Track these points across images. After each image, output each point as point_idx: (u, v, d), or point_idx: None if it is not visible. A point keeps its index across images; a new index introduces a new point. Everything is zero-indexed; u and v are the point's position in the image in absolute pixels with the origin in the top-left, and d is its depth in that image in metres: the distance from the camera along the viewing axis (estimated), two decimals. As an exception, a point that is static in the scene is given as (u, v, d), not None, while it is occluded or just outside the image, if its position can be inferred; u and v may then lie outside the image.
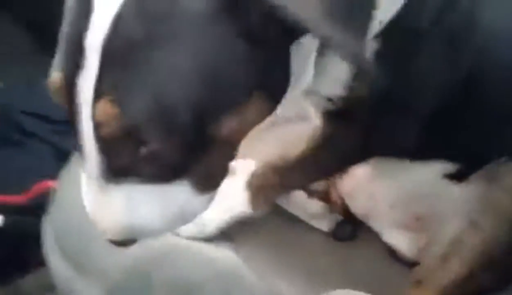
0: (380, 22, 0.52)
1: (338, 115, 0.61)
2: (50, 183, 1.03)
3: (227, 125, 0.43)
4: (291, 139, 0.70)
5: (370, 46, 0.52)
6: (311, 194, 0.81)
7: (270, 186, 0.70)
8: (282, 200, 0.78)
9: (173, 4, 0.39)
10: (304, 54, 0.50)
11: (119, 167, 0.43)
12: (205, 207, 0.49)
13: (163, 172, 0.44)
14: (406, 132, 0.66)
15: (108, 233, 0.47)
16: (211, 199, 0.49)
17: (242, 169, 0.75)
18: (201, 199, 0.48)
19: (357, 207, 0.79)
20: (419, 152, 0.72)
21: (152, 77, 0.39)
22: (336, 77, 0.56)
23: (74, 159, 0.78)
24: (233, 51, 0.41)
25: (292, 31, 0.42)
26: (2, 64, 1.42)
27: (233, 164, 0.70)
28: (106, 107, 0.40)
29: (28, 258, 1.08)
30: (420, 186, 0.75)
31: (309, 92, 0.60)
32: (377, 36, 0.53)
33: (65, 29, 0.42)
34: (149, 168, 0.43)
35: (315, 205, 0.80)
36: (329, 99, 0.60)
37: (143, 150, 0.42)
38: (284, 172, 0.69)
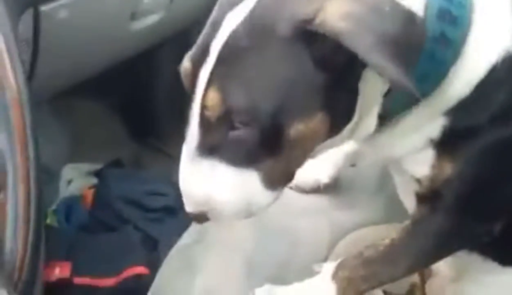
0: (449, 100, 0.59)
1: (427, 197, 0.65)
2: (139, 269, 1.09)
3: (295, 129, 0.54)
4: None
5: (441, 119, 0.60)
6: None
7: (357, 278, 0.71)
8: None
9: (267, 29, 0.53)
10: (369, 100, 0.58)
11: (210, 144, 0.55)
12: (268, 203, 0.59)
13: (241, 157, 0.55)
14: (491, 222, 0.66)
15: (188, 202, 0.58)
16: (274, 198, 0.59)
17: (327, 266, 0.77)
18: (266, 193, 0.58)
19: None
20: (506, 254, 0.72)
21: (246, 77, 0.53)
22: (422, 158, 0.62)
23: (176, 250, 0.84)
24: (305, 72, 0.53)
25: (356, 63, 0.52)
26: (98, 147, 1.55)
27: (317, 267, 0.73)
28: (213, 93, 0.53)
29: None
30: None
31: (400, 173, 0.67)
32: (448, 112, 0.59)
33: (200, 36, 0.57)
34: (231, 150, 0.55)
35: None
36: (418, 180, 0.64)
37: (231, 134, 0.54)
38: (373, 263, 0.70)
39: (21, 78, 0.70)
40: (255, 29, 0.53)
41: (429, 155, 0.62)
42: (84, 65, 1.11)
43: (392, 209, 0.86)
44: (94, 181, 1.41)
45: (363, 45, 0.49)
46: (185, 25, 1.30)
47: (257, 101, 0.52)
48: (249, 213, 0.59)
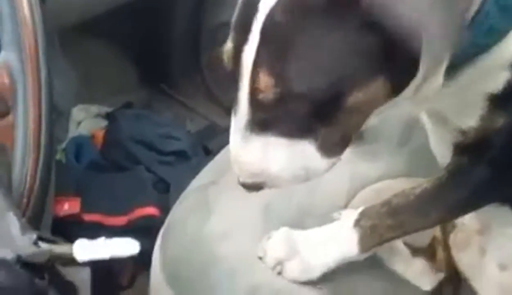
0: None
1: (469, 148, 0.62)
2: (150, 210, 1.07)
3: (353, 96, 0.51)
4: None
5: (504, 74, 0.56)
6: (415, 251, 0.77)
7: (382, 226, 0.68)
8: (386, 256, 0.75)
9: (303, 1, 0.49)
10: (435, 58, 0.52)
11: (262, 120, 0.53)
12: (326, 169, 0.57)
13: (296, 129, 0.53)
14: None
15: (242, 174, 0.57)
16: (332, 164, 0.57)
17: (346, 214, 0.74)
18: (323, 161, 0.56)
19: (465, 263, 0.75)
20: None
21: (294, 56, 0.49)
22: (473, 110, 0.59)
23: (191, 190, 0.81)
24: (357, 40, 0.49)
25: None
26: (109, 90, 1.52)
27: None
28: (264, 77, 0.51)
29: (118, 279, 1.11)
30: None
31: (439, 123, 0.65)
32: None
33: (235, 17, 0.54)
34: (285, 124, 0.53)
35: (419, 264, 0.76)
36: (462, 131, 0.61)
37: (284, 108, 0.51)
38: (402, 212, 0.67)
39: (35, -1, 0.66)
40: (291, 4, 0.50)
41: (482, 106, 0.58)
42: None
43: (415, 162, 0.83)
44: (104, 123, 1.39)
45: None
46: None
47: (311, 79, 0.49)
48: (307, 178, 0.57)
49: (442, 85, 0.57)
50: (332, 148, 0.55)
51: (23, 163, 0.62)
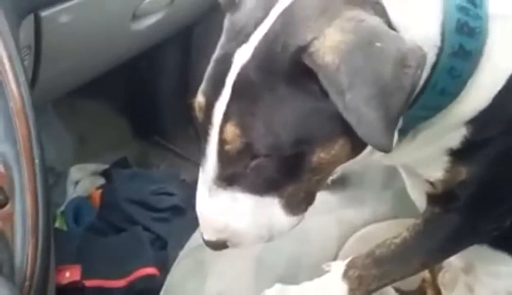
0: (469, 111, 0.58)
1: (439, 198, 0.65)
2: (149, 270, 1.09)
3: (317, 156, 0.54)
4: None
5: (461, 130, 0.60)
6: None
7: (368, 276, 0.71)
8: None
9: (272, 64, 0.52)
10: None
11: (230, 175, 0.55)
12: (290, 227, 0.59)
13: (262, 184, 0.55)
14: (501, 220, 0.66)
15: (207, 230, 0.58)
16: (297, 221, 0.59)
17: (336, 265, 0.77)
18: (287, 218, 0.58)
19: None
20: None
21: (263, 112, 0.52)
22: (437, 163, 0.62)
23: (188, 250, 0.84)
24: (318, 102, 0.52)
25: None
26: (104, 147, 1.55)
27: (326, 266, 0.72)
28: (231, 128, 0.53)
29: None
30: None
31: (412, 174, 0.68)
32: (468, 123, 0.59)
33: (209, 70, 0.56)
34: (252, 179, 0.55)
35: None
36: (431, 182, 0.65)
37: (252, 163, 0.54)
38: (385, 262, 0.70)
39: (24, 87, 0.70)
40: (262, 65, 0.52)
41: (444, 160, 0.62)
42: (87, 67, 1.11)
43: (400, 204, 0.86)
44: (102, 181, 1.42)
45: (337, 85, 0.48)
46: (186, 23, 1.30)
47: (277, 135, 0.52)
48: (270, 238, 0.59)
49: (404, 143, 0.61)
50: (296, 206, 0.57)
51: (23, 249, 0.64)
